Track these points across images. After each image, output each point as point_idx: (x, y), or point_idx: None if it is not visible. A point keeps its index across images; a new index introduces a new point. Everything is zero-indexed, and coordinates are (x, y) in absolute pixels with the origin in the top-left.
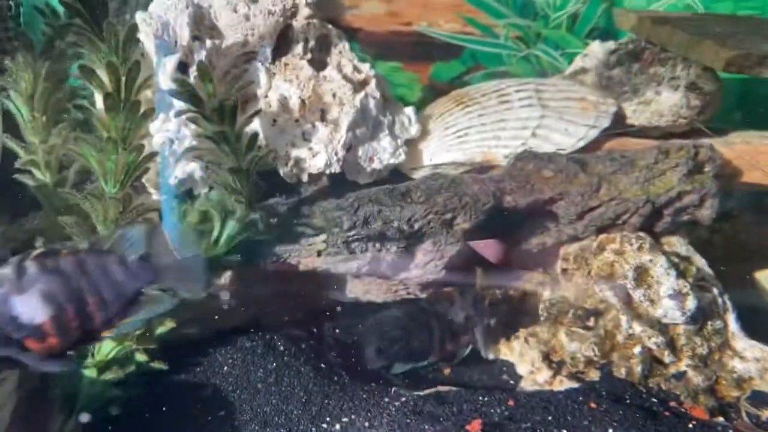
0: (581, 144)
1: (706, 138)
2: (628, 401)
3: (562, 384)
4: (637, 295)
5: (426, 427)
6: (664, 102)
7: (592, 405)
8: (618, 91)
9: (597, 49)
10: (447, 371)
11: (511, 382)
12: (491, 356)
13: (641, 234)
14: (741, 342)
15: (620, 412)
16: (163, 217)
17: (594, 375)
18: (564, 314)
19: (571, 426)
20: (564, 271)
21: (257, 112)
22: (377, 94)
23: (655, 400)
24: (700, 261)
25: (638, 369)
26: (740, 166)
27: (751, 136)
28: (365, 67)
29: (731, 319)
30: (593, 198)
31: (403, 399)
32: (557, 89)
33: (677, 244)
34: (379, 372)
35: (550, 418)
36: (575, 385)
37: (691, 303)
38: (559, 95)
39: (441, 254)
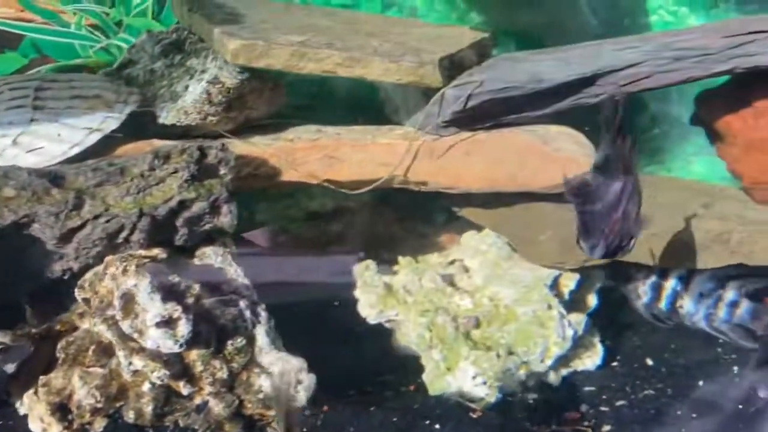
0: (76, 151)
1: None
2: None
3: None
4: (125, 326)
5: None
6: (188, 98)
7: None
8: (158, 86)
9: (146, 38)
10: None
11: None
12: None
13: (130, 254)
14: (268, 356)
15: None
16: None
17: (100, 426)
18: (85, 352)
19: None
20: (86, 300)
21: None
22: None
23: None
24: (234, 272)
25: (149, 409)
26: (278, 164)
27: (307, 131)
28: None
29: (261, 332)
30: (72, 217)
31: None
32: (69, 86)
33: (212, 255)
34: None
35: None
36: None
37: (183, 329)
38: (66, 93)
39: None
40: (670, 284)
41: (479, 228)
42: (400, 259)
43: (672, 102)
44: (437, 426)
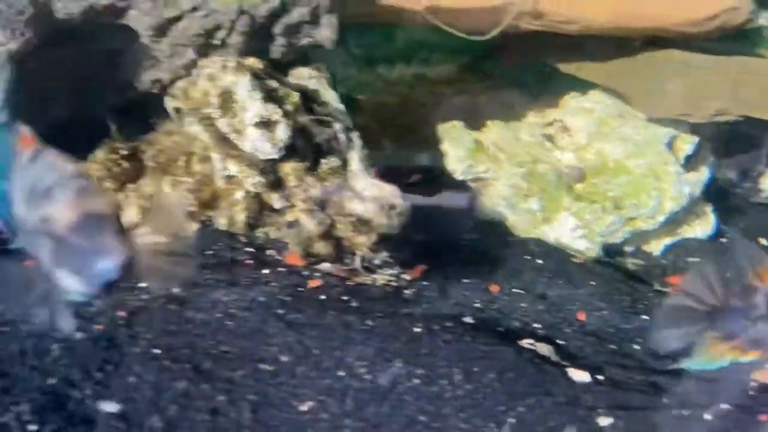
0: None
1: None
2: (211, 252)
3: None
4: (223, 124)
5: None
6: None
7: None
8: None
9: None
10: None
11: None
12: None
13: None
14: (362, 181)
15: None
16: None
17: (190, 229)
18: (174, 162)
19: None
20: (177, 110)
21: None
22: None
23: (250, 249)
24: (330, 95)
25: (241, 218)
26: None
27: None
28: None
29: (354, 157)
30: (170, 6)
31: None
32: None
33: (307, 76)
34: None
35: None
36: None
37: (282, 133)
38: None
39: None
40: None
41: (582, 91)
42: (488, 122)
43: None
44: (539, 261)
